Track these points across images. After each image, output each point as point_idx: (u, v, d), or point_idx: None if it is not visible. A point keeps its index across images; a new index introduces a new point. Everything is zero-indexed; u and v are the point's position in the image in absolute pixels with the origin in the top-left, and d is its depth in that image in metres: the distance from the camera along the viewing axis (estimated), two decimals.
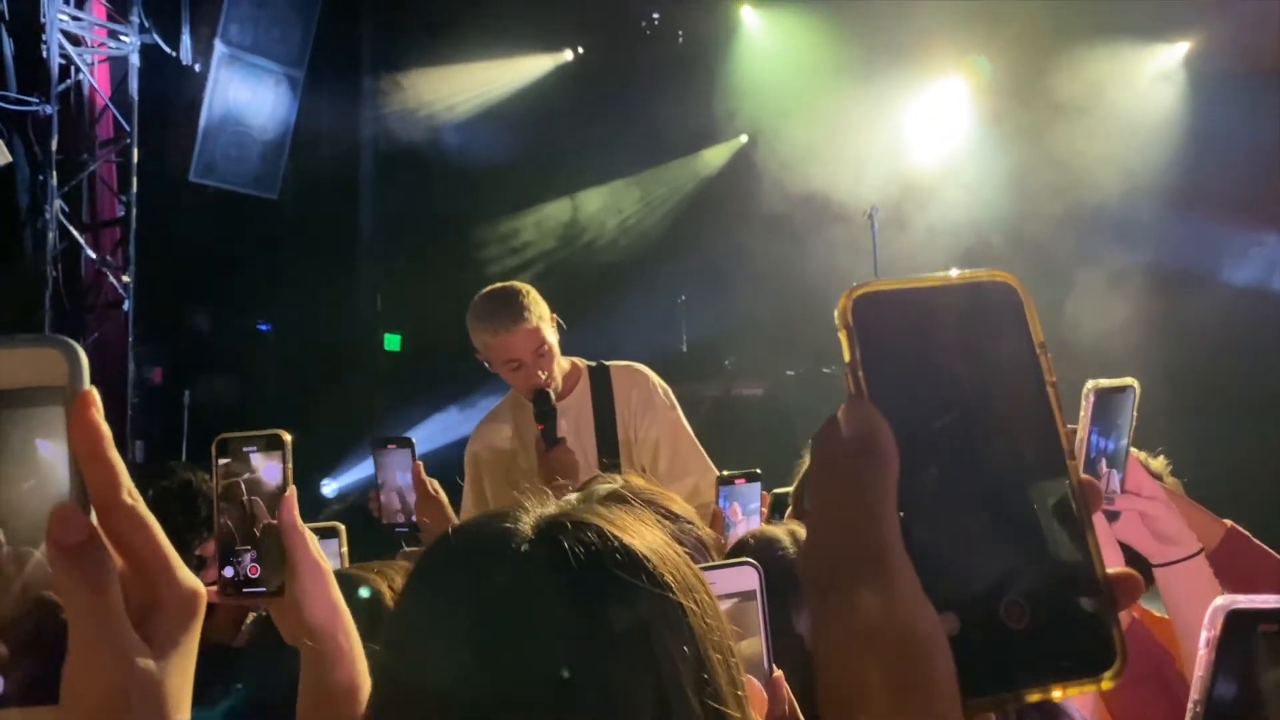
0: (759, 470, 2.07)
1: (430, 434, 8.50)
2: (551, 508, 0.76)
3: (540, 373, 2.57)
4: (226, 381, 9.01)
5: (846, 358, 0.48)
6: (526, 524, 0.73)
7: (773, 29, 9.00)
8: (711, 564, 1.06)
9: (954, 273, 0.49)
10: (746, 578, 1.01)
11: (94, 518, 0.49)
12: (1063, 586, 0.46)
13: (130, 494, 0.50)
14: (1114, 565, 0.46)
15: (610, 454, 2.68)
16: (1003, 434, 0.47)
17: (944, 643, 0.44)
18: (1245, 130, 6.97)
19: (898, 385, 0.47)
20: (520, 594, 0.69)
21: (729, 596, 0.99)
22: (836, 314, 0.48)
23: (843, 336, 0.48)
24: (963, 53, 8.04)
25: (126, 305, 7.32)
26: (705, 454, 2.75)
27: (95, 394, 0.50)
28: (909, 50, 7.86)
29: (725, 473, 2.07)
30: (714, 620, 0.72)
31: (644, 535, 0.73)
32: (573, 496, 1.27)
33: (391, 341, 10.10)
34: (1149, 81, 7.89)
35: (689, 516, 1.38)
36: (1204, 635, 0.58)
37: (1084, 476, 0.48)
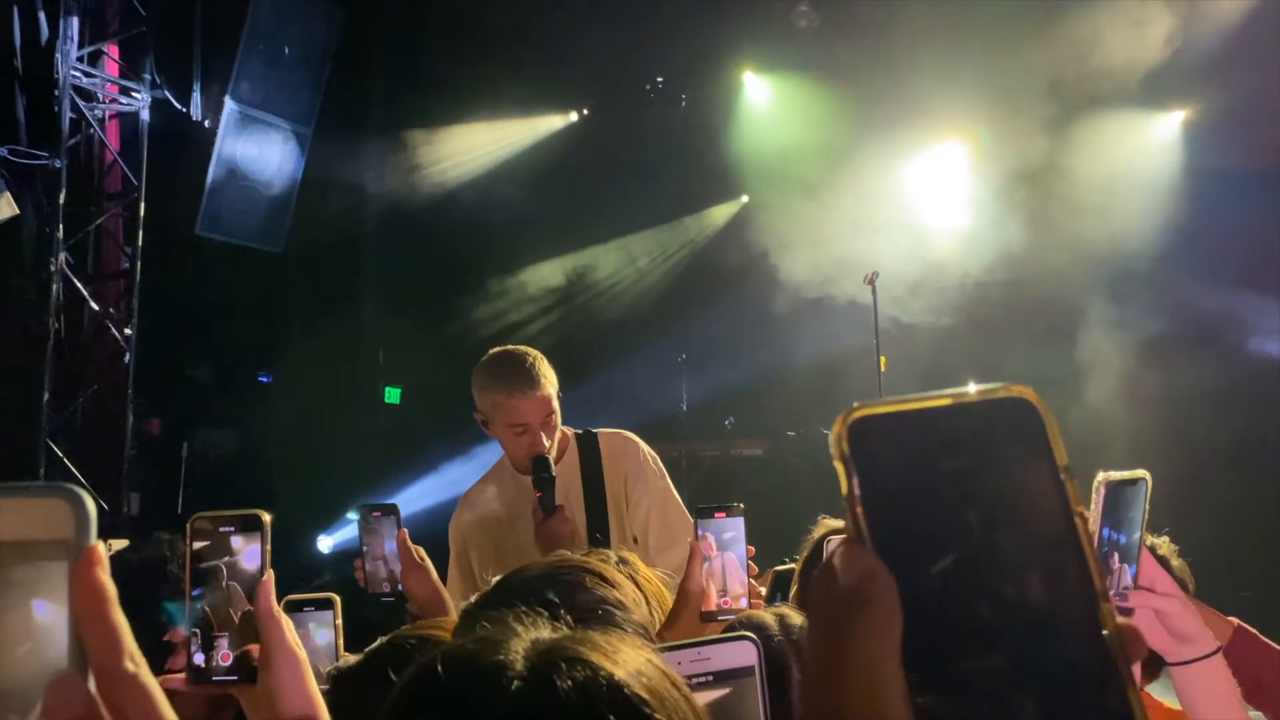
0: (741, 504, 1.95)
1: (429, 489, 8.46)
2: (545, 632, 0.73)
3: (545, 440, 2.55)
4: (225, 433, 9.00)
5: (844, 491, 0.42)
6: (518, 655, 0.69)
7: (774, 94, 9.14)
8: (708, 639, 1.00)
9: (970, 388, 0.43)
10: (745, 653, 0.95)
11: (92, 684, 0.46)
12: None
13: (133, 659, 0.47)
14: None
15: (599, 522, 2.65)
16: (1025, 576, 0.41)
17: None
18: (1241, 196, 7.04)
19: (903, 523, 0.42)
20: None
21: (726, 675, 0.93)
22: (831, 441, 0.43)
23: (839, 467, 0.42)
24: (962, 118, 8.15)
25: (128, 357, 7.33)
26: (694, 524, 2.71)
27: (101, 550, 0.47)
28: (908, 116, 7.97)
29: (702, 505, 1.96)
30: None
31: (642, 670, 0.69)
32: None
33: (392, 395, 10.10)
34: (1146, 147, 7.99)
35: (624, 595, 1.29)
36: None
37: (1121, 621, 0.41)
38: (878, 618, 0.41)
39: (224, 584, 1.09)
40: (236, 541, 1.10)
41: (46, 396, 6.81)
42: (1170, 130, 8.13)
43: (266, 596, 1.07)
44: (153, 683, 0.48)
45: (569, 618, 0.78)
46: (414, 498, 8.37)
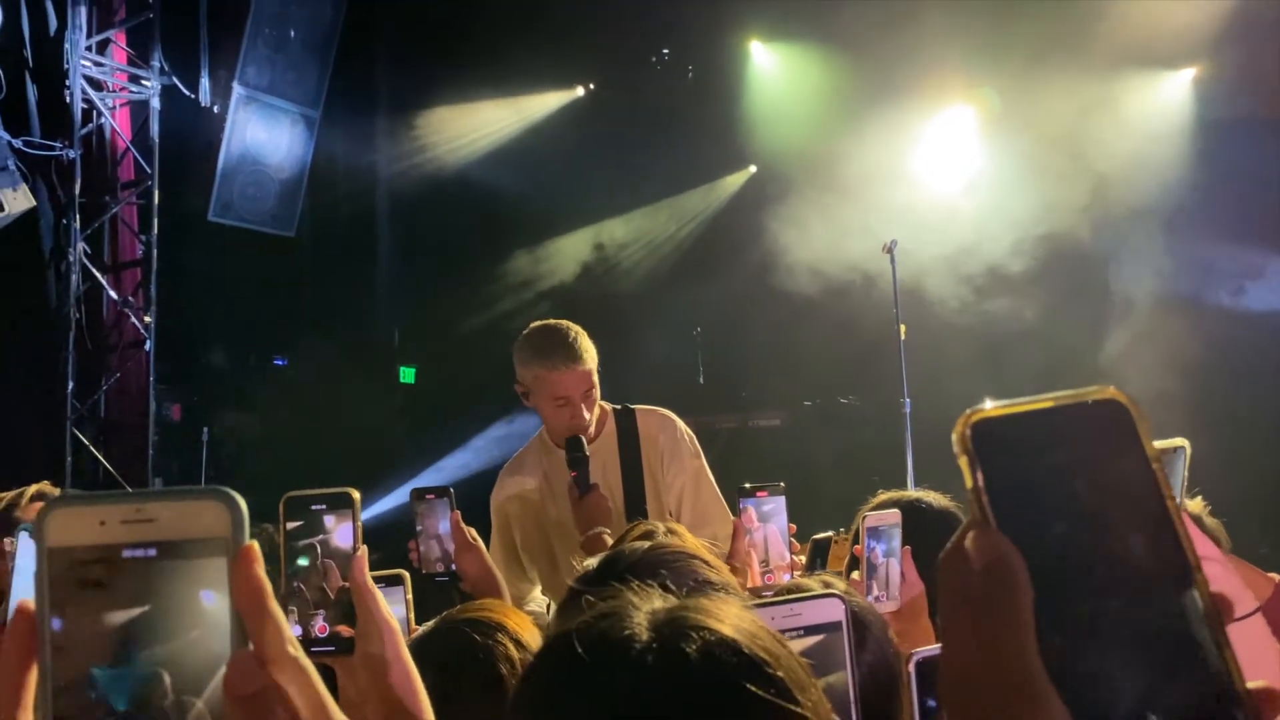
0: (781, 483, 2.08)
1: (448, 467, 8.54)
2: (658, 602, 0.77)
3: (585, 413, 2.59)
4: (244, 417, 9.06)
5: (969, 484, 0.48)
6: (642, 625, 0.74)
7: (781, 63, 9.09)
8: (799, 596, 1.06)
9: (1070, 391, 0.50)
10: (833, 609, 1.01)
11: None
12: (1204, 703, 0.46)
13: (292, 643, 0.52)
14: (1261, 672, 0.47)
15: (636, 498, 2.69)
16: (1128, 552, 0.47)
17: None
18: (1251, 156, 7.02)
19: (1021, 510, 0.48)
20: (647, 705, 0.70)
21: (815, 629, 0.99)
22: (955, 439, 0.49)
23: (963, 463, 0.48)
24: (971, 82, 8.10)
25: (148, 345, 7.39)
26: (725, 503, 2.76)
27: (257, 548, 0.53)
28: (917, 82, 7.92)
29: (746, 485, 2.07)
30: (826, 718, 0.73)
31: (755, 632, 0.74)
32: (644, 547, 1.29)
33: (407, 374, 10.16)
34: (1156, 107, 7.95)
35: (725, 579, 1.36)
36: None
37: (1214, 590, 0.48)
38: (1012, 590, 0.46)
39: (318, 560, 1.14)
40: (329, 520, 1.14)
41: (71, 386, 6.88)
42: (1181, 87, 8.07)
43: (360, 571, 1.11)
44: (309, 665, 0.53)
45: (676, 589, 0.83)
46: (435, 476, 8.46)
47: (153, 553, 0.52)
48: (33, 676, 0.52)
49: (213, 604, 0.52)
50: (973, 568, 0.47)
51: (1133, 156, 7.35)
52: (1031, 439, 0.49)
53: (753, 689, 0.69)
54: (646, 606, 0.76)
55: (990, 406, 0.49)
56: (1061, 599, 0.47)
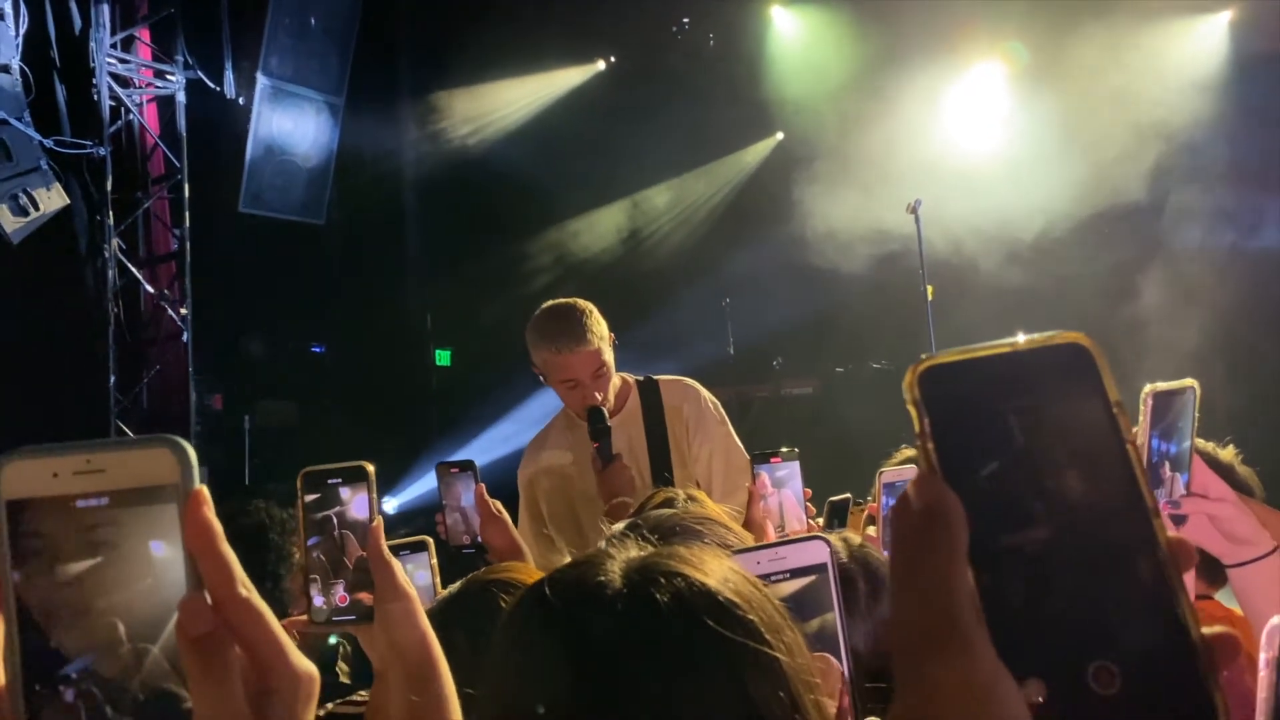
0: (795, 449, 2.07)
1: (485, 446, 8.61)
2: (634, 551, 0.78)
3: (596, 393, 2.60)
4: (285, 405, 9.20)
5: (917, 429, 0.48)
6: (615, 573, 0.74)
7: (803, 26, 8.97)
8: (783, 540, 1.05)
9: (1029, 336, 0.48)
10: (817, 552, 1.00)
11: None
12: (1155, 649, 0.44)
13: (244, 585, 0.53)
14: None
15: (663, 468, 2.70)
16: (1084, 496, 0.46)
17: (1022, 709, 0.44)
18: None
19: (971, 455, 0.47)
20: (617, 650, 0.71)
21: (801, 572, 0.99)
22: (904, 388, 0.48)
23: (912, 410, 0.48)
24: (997, 38, 7.95)
25: (185, 336, 7.51)
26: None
27: (206, 492, 0.53)
28: (942, 39, 7.78)
29: (757, 451, 2.07)
30: (802, 658, 0.73)
31: (728, 576, 0.74)
32: (639, 517, 1.30)
33: (442, 357, 10.24)
34: (1192, 54, 7.74)
35: (745, 543, 1.37)
36: (1263, 656, 0.57)
37: (1172, 535, 0.46)
38: (946, 532, 0.46)
39: (336, 532, 1.16)
40: (345, 492, 1.16)
41: (113, 379, 7.02)
42: (1217, 31, 7.85)
43: (377, 541, 1.13)
44: (263, 605, 0.53)
45: (653, 536, 0.83)
46: (472, 454, 8.51)
47: (105, 502, 0.52)
48: None
49: (165, 551, 0.52)
50: (913, 511, 0.47)
51: (1171, 104, 7.17)
52: (983, 384, 0.48)
53: (722, 631, 0.70)
54: (622, 555, 0.77)
55: (942, 353, 0.48)
56: (995, 535, 0.46)
